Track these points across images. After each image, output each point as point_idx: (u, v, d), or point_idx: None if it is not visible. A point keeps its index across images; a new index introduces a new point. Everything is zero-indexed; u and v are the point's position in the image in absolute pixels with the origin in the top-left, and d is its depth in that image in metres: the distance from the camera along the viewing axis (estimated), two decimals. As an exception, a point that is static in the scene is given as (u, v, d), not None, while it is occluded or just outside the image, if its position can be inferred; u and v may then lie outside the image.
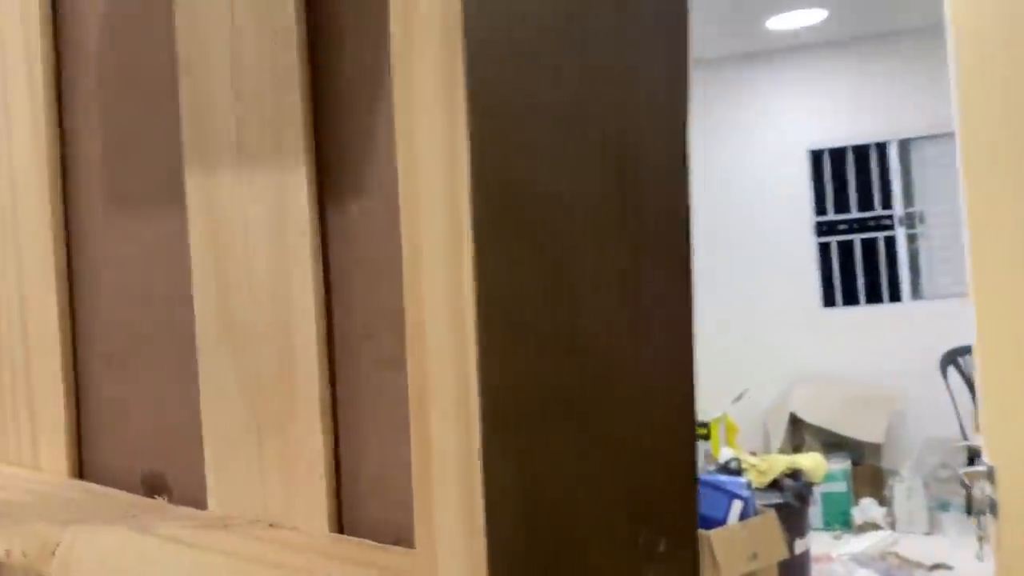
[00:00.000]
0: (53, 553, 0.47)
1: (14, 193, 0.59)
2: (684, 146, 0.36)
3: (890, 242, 4.59)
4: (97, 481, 0.56)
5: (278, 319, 0.45)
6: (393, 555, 0.40)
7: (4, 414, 0.61)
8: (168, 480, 0.53)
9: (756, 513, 2.76)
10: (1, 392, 0.61)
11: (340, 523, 0.45)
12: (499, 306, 0.30)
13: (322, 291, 0.45)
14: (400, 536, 0.43)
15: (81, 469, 0.57)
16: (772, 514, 2.78)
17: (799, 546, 2.92)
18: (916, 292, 4.52)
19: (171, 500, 0.52)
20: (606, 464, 0.34)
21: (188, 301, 0.51)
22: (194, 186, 0.48)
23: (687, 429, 0.36)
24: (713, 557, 2.15)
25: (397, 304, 0.43)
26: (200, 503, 0.51)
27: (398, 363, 0.43)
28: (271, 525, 0.46)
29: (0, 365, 0.61)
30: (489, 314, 0.29)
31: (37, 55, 0.57)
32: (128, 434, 0.55)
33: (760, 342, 4.41)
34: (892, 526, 3.82)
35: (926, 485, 3.88)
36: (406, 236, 0.32)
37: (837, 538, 3.75)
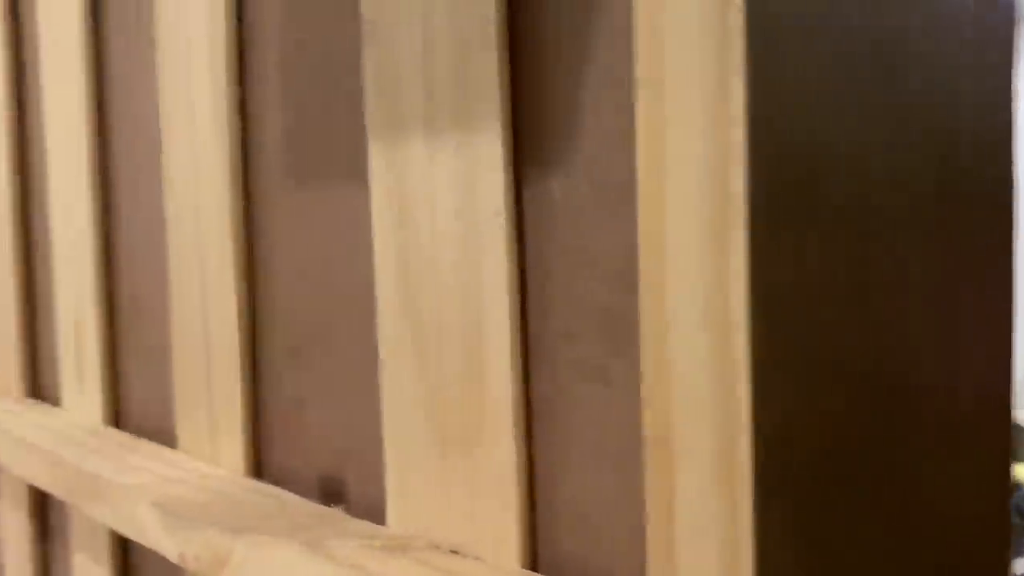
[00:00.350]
0: (224, 564, 0.43)
1: (197, 180, 0.56)
2: (1011, 121, 0.27)
3: None
4: (274, 481, 0.53)
5: (466, 314, 0.39)
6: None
7: (187, 404, 0.59)
8: (347, 487, 0.48)
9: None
10: (184, 381, 0.59)
11: (533, 557, 0.38)
12: (780, 322, 0.22)
13: (516, 283, 0.38)
14: (604, 579, 0.36)
15: (258, 467, 0.54)
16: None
17: (1020, 566, 2.63)
18: None
19: (348, 510, 0.48)
20: (910, 531, 0.25)
21: (371, 292, 0.46)
22: (378, 165, 0.43)
23: (1002, 486, 0.27)
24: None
25: (603, 301, 0.35)
26: (378, 516, 0.46)
27: (604, 373, 0.36)
28: (453, 552, 0.40)
29: (183, 353, 0.59)
30: (767, 333, 0.22)
31: (221, 32, 0.54)
32: (307, 434, 0.51)
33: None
34: None
35: None
36: (644, 222, 0.25)
37: (1062, 561, 3.35)
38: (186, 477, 0.53)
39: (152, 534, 0.49)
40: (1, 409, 0.76)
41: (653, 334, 0.25)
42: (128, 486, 0.53)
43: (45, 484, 0.64)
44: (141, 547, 0.66)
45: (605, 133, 0.34)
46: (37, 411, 0.75)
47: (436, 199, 0.40)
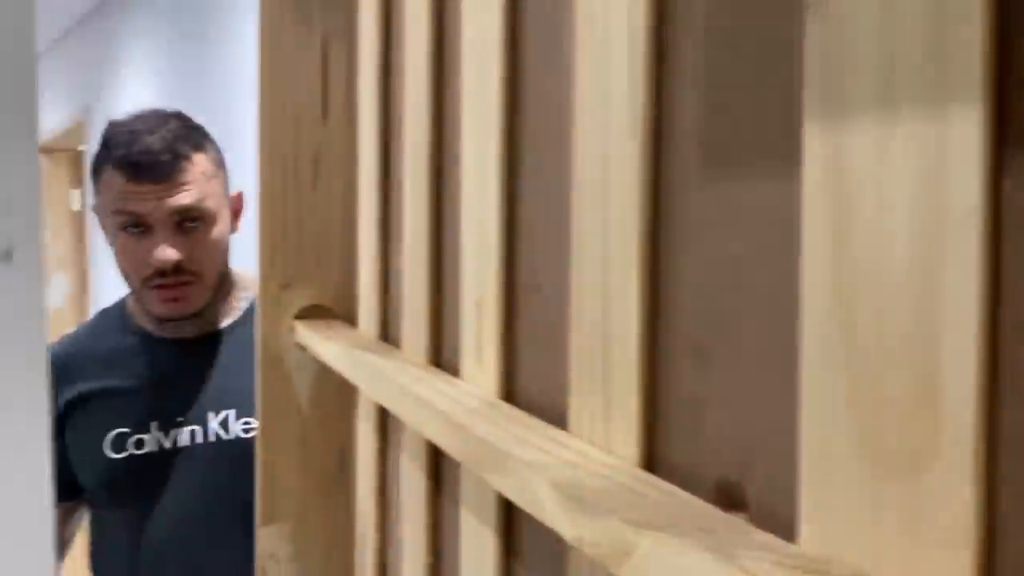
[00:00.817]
0: (627, 555, 0.43)
1: (606, 166, 0.57)
2: None
3: None
4: (666, 477, 0.52)
5: (920, 326, 0.35)
6: None
7: (581, 388, 0.60)
8: (747, 495, 0.46)
9: None
10: (580, 366, 0.60)
11: (988, 614, 0.33)
12: None
13: (990, 296, 0.33)
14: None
15: (651, 461, 0.53)
16: None
17: None
18: None
19: (750, 519, 0.45)
20: None
21: (792, 293, 0.43)
22: (814, 152, 0.39)
23: None
24: None
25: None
26: (784, 530, 0.43)
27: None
28: (884, 588, 0.36)
29: (581, 339, 0.60)
30: None
31: (640, 10, 0.53)
32: (705, 435, 0.49)
33: None
34: None
35: None
36: None
37: None
38: (580, 460, 0.54)
39: (550, 513, 0.50)
40: (409, 375, 0.83)
41: None
42: (526, 461, 0.55)
43: (445, 446, 0.69)
44: (525, 515, 0.69)
45: None
46: (438, 379, 0.81)
47: (886, 192, 0.36)
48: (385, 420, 1.06)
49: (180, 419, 1.50)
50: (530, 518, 0.68)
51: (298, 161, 1.19)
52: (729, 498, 0.47)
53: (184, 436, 1.49)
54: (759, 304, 0.45)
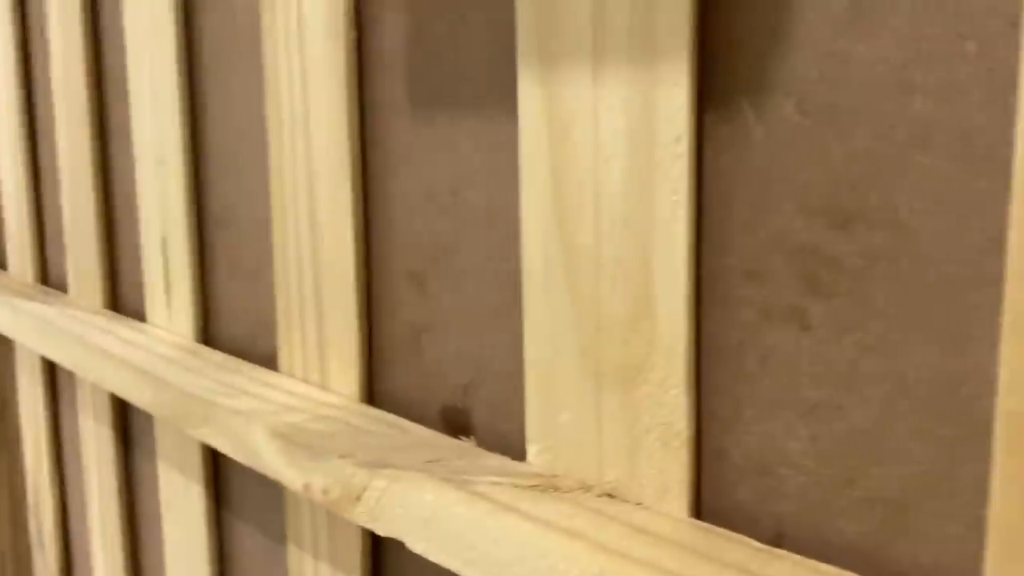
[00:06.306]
0: (358, 498, 0.42)
1: (305, 88, 0.53)
2: None
3: None
4: (389, 408, 0.51)
5: (633, 248, 0.36)
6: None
7: (292, 326, 0.57)
8: (473, 419, 0.46)
9: None
10: (288, 303, 0.57)
11: (699, 507, 0.36)
12: None
13: (694, 217, 0.35)
14: (782, 534, 0.34)
15: (371, 394, 0.52)
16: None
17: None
18: None
19: (478, 443, 0.46)
20: None
21: (510, 216, 0.43)
22: (529, 88, 0.39)
23: None
24: None
25: (801, 239, 0.32)
26: (512, 450, 0.44)
27: (800, 316, 0.33)
28: (609, 495, 0.38)
29: (287, 274, 0.56)
30: None
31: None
32: (428, 362, 0.48)
33: None
34: None
35: None
36: None
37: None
38: (299, 403, 0.52)
39: (271, 463, 0.48)
40: (86, 322, 0.74)
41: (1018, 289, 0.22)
42: (240, 411, 0.51)
43: (145, 404, 0.62)
44: (232, 461, 0.65)
45: (819, 48, 0.31)
46: (122, 325, 0.73)
47: (601, 128, 0.37)
48: (55, 375, 0.94)
49: None
50: (242, 467, 0.64)
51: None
52: (455, 425, 0.47)
53: None
54: (478, 229, 0.45)
